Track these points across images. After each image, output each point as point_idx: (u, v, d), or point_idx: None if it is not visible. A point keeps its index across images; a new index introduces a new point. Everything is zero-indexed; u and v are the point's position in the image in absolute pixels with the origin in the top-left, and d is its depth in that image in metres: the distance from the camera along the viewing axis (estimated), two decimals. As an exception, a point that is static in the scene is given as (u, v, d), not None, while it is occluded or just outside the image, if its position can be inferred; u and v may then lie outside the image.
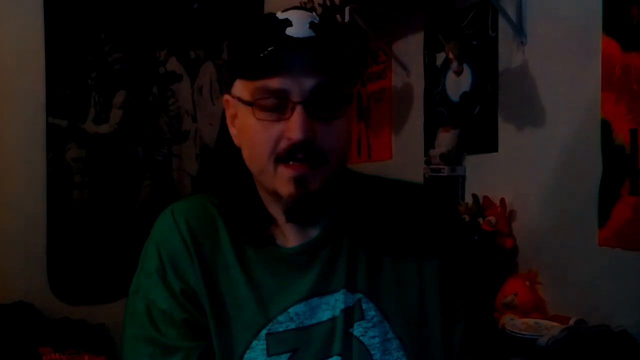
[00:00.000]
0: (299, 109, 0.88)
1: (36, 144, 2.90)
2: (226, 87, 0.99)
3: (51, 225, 2.94)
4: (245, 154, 0.96)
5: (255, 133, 0.91)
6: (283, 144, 0.90)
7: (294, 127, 0.88)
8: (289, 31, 0.90)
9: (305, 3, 2.74)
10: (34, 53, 2.89)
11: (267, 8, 3.11)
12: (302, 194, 0.91)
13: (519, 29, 2.06)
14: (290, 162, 0.90)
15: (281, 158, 0.90)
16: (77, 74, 2.99)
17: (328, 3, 2.65)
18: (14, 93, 2.85)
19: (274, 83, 0.89)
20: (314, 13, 0.95)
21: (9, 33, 2.85)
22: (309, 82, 0.89)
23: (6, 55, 2.84)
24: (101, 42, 3.03)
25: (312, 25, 0.91)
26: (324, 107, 0.90)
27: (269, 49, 0.87)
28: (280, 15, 0.92)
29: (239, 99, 0.94)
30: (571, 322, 1.72)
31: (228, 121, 1.00)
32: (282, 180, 0.91)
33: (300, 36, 0.89)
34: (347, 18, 2.52)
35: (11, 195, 2.83)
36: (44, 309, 2.80)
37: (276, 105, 0.89)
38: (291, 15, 0.92)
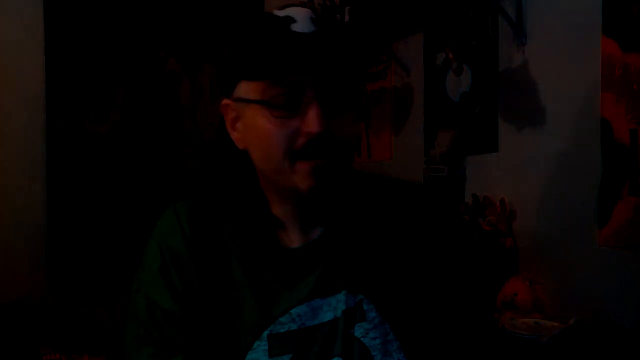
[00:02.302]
0: (314, 104, 0.88)
1: (36, 144, 2.90)
2: (224, 92, 0.99)
3: (51, 225, 2.94)
4: (257, 154, 0.95)
5: (269, 132, 0.91)
6: (300, 140, 0.89)
7: (311, 121, 0.88)
8: (295, 27, 0.90)
9: (305, 3, 2.75)
10: (34, 53, 2.89)
11: (268, 8, 3.11)
12: (321, 185, 0.91)
13: (519, 29, 2.06)
14: (309, 157, 0.90)
15: (299, 154, 0.90)
16: (77, 74, 2.99)
17: (328, 3, 2.65)
18: (14, 93, 2.85)
19: (287, 80, 0.89)
20: (309, 9, 0.95)
21: (9, 33, 2.85)
22: (320, 76, 0.89)
23: (6, 55, 2.84)
24: (101, 41, 3.03)
25: (313, 20, 0.92)
26: (337, 101, 0.91)
27: (281, 46, 0.88)
28: (280, 13, 0.93)
29: (247, 100, 0.93)
30: (571, 322, 1.72)
31: (228, 126, 0.99)
32: (302, 175, 0.91)
33: (307, 31, 0.90)
34: (347, 18, 2.53)
35: (11, 195, 2.83)
36: (44, 309, 2.80)
37: (290, 102, 0.89)
38: (291, 12, 0.92)
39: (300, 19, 0.91)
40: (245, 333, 0.94)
